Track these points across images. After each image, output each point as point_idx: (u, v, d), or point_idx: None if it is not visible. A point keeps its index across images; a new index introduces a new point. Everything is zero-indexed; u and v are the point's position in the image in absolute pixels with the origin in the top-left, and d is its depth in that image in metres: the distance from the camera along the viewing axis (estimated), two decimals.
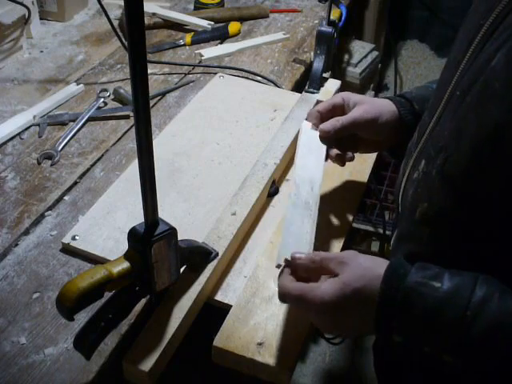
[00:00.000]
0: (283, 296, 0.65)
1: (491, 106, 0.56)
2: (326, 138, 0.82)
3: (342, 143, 0.85)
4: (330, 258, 0.63)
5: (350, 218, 0.91)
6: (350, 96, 0.84)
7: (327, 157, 0.84)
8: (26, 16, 1.23)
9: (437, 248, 0.64)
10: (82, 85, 1.14)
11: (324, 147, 0.82)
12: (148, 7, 1.37)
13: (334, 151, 0.85)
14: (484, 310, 0.54)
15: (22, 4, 1.20)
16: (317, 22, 1.44)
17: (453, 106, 0.63)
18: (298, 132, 0.84)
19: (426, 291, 0.56)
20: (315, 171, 0.79)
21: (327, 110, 0.84)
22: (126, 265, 0.63)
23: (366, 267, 0.60)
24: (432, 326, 0.56)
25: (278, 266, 0.67)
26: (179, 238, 0.67)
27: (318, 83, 1.11)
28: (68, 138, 1.01)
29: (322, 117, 0.84)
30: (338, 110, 0.84)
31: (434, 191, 0.63)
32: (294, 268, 0.66)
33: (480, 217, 0.59)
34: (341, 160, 0.85)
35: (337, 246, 0.85)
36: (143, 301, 0.72)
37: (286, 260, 0.66)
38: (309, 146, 0.82)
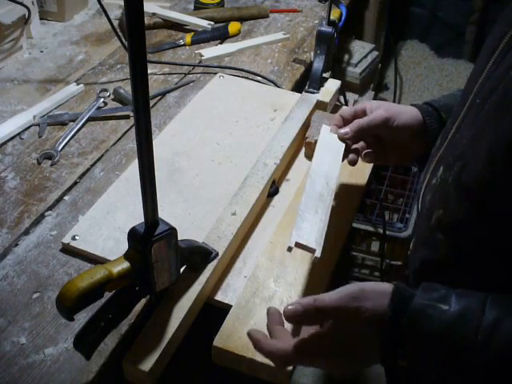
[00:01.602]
0: (286, 359, 0.61)
1: (509, 115, 0.55)
2: (344, 139, 0.83)
3: (369, 148, 0.85)
4: (326, 306, 0.59)
5: (350, 218, 0.91)
6: (372, 103, 0.85)
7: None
8: (26, 16, 1.23)
9: (451, 255, 0.63)
10: (82, 85, 1.14)
11: (342, 147, 0.83)
12: (148, 7, 1.36)
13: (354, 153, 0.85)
14: (495, 334, 0.52)
15: (22, 4, 1.20)
16: (317, 22, 1.44)
17: (472, 113, 0.63)
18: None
19: (433, 313, 0.54)
20: (332, 168, 0.81)
21: (349, 115, 0.86)
22: (125, 265, 0.63)
23: (365, 310, 0.57)
24: (440, 350, 0.54)
25: (290, 249, 0.67)
26: (179, 238, 0.67)
27: (318, 83, 1.11)
28: (68, 138, 1.01)
29: (344, 121, 0.86)
30: (359, 115, 0.85)
31: (450, 198, 0.63)
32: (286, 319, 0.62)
33: (494, 226, 0.59)
34: (356, 154, 0.85)
35: (337, 245, 0.85)
36: (143, 301, 0.72)
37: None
38: (327, 147, 0.83)
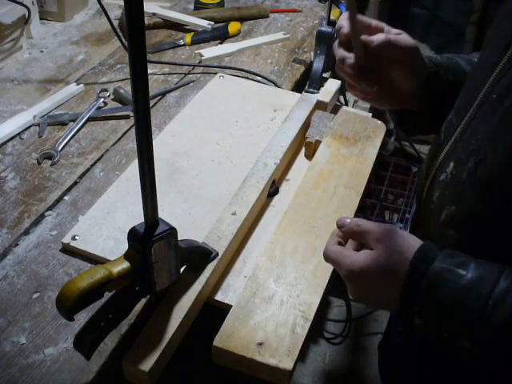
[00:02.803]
0: (324, 256, 0.68)
1: None
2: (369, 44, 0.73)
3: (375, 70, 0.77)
4: (369, 232, 0.64)
5: (350, 217, 0.91)
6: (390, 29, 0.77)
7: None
8: (26, 16, 1.23)
9: (463, 250, 0.63)
10: (82, 85, 1.14)
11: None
12: (148, 7, 1.37)
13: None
14: (506, 301, 0.54)
15: (22, 4, 1.20)
16: (317, 22, 1.44)
17: (488, 109, 0.63)
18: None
19: (450, 278, 0.57)
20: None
21: (365, 23, 0.75)
22: (125, 265, 0.63)
23: (397, 250, 0.61)
24: (453, 312, 0.57)
25: None
26: (179, 238, 0.67)
27: (318, 83, 1.11)
28: (68, 138, 1.01)
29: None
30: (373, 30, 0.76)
31: (464, 194, 0.63)
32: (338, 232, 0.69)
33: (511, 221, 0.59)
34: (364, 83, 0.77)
35: None
36: (143, 301, 0.72)
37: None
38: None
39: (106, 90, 1.12)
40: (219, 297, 0.78)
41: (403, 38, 0.75)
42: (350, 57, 0.75)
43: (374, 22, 0.76)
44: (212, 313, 0.76)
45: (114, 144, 1.02)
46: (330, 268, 0.81)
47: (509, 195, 0.59)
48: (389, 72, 0.78)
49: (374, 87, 0.78)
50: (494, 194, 0.60)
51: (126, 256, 0.64)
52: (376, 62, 0.76)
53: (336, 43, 0.78)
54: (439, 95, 0.78)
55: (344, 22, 0.74)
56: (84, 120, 1.04)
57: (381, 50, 0.74)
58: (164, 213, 0.66)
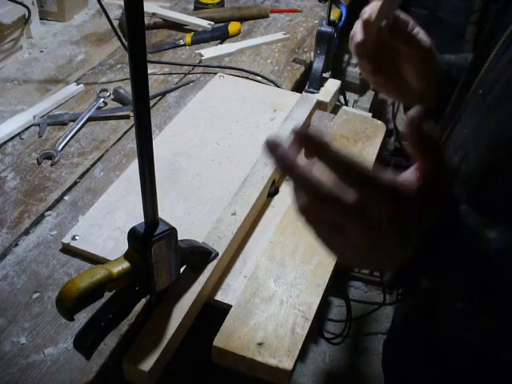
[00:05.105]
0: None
1: (511, 106, 0.56)
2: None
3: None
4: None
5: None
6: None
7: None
8: (26, 16, 1.23)
9: None
10: (82, 85, 1.14)
11: None
12: (148, 7, 1.37)
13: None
14: None
15: (22, 4, 1.20)
16: (317, 22, 1.44)
17: (474, 104, 0.63)
18: None
19: (479, 237, 0.47)
20: None
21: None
22: (125, 265, 0.63)
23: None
24: (478, 280, 0.47)
25: None
26: (179, 238, 0.67)
27: (318, 83, 1.11)
28: (68, 138, 1.01)
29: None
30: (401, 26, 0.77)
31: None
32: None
33: (495, 218, 0.59)
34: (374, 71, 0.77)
35: None
36: (143, 301, 0.72)
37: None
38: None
39: (106, 90, 1.12)
40: (219, 297, 0.78)
41: (422, 38, 0.77)
42: (360, 34, 0.77)
43: (402, 16, 0.77)
44: (212, 313, 0.76)
45: (114, 144, 1.02)
46: (330, 268, 0.81)
47: (490, 191, 0.58)
48: (400, 66, 0.79)
49: (381, 77, 0.79)
50: (477, 189, 0.60)
51: (126, 256, 0.64)
52: (390, 54, 0.77)
53: (358, 21, 0.79)
54: (451, 96, 0.78)
55: (368, 9, 0.75)
56: (84, 120, 1.04)
57: (399, 42, 0.76)
58: (164, 213, 0.66)
